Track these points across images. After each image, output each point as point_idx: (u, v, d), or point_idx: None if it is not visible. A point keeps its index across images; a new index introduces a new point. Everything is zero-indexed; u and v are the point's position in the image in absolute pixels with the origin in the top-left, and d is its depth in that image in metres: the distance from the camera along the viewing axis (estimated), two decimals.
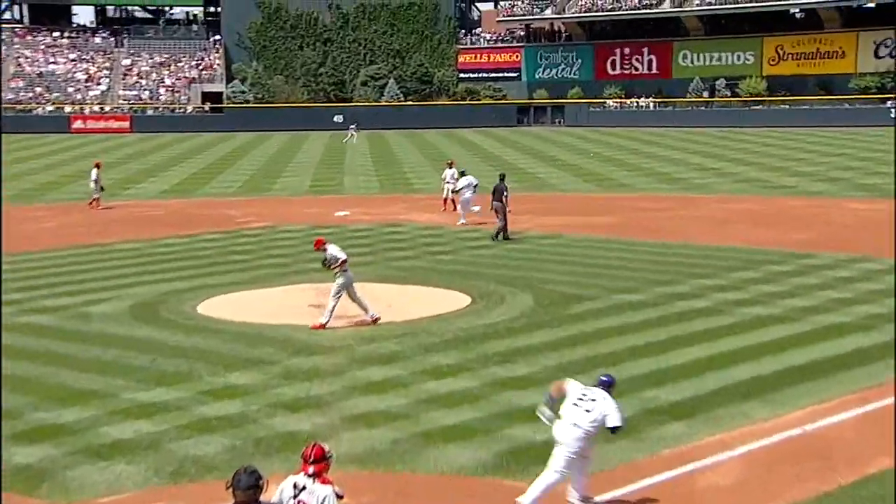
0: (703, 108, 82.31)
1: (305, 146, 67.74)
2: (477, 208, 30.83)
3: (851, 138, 62.55)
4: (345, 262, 17.58)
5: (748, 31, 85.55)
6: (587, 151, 59.40)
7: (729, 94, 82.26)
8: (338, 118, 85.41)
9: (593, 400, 9.87)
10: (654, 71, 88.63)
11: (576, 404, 9.88)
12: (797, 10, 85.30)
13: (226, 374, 14.85)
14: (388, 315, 18.50)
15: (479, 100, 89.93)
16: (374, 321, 17.47)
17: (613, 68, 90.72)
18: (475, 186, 31.05)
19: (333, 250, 17.66)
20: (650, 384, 13.91)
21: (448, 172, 34.26)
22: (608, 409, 9.82)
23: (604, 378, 10.18)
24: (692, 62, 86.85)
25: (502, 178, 28.00)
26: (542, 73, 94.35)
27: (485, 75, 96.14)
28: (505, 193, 27.35)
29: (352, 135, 71.22)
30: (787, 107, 78.43)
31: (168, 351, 16.13)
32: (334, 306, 17.56)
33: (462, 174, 31.81)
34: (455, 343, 16.38)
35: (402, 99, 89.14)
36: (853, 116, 72.91)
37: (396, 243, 27.47)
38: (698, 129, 74.67)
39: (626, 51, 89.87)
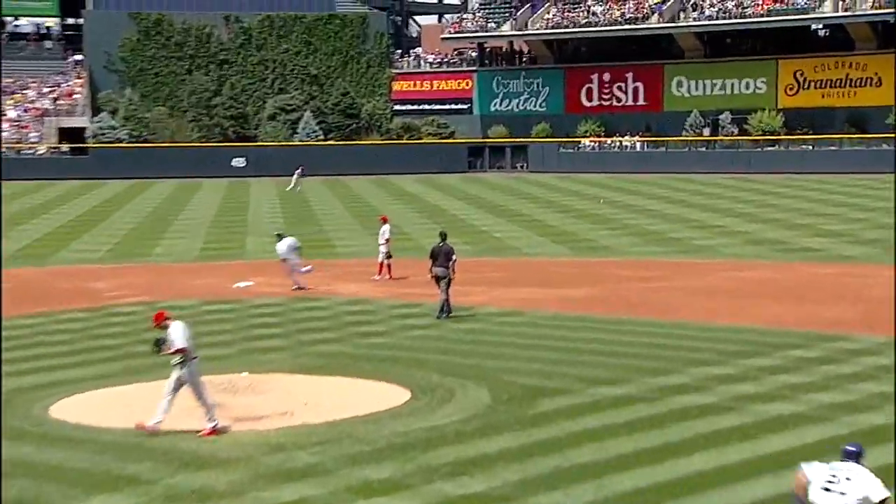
0: (703, 148, 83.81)
1: (196, 198, 67.52)
2: (307, 268, 32.68)
3: (892, 188, 64.02)
4: (183, 350, 17.37)
5: (759, 51, 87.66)
6: (555, 204, 60.05)
7: (736, 131, 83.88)
8: (238, 161, 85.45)
9: (848, 479, 10.30)
10: (642, 102, 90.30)
11: (827, 489, 10.27)
12: (820, 27, 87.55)
13: (87, 497, 14.63)
14: (303, 415, 18.40)
15: (419, 138, 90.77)
16: (213, 431, 17.30)
17: (590, 99, 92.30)
18: (298, 249, 33.00)
19: (176, 330, 17.44)
20: None
21: (383, 230, 34.47)
22: (869, 483, 10.21)
23: (850, 448, 10.86)
24: (689, 91, 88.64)
25: (444, 237, 28.17)
26: (500, 105, 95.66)
27: (427, 107, 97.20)
28: (453, 257, 27.51)
29: (297, 180, 71.27)
30: (810, 147, 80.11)
31: (9, 469, 15.85)
32: (167, 406, 17.32)
33: (279, 237, 33.34)
34: (390, 451, 16.33)
35: (322, 137, 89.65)
36: (893, 160, 74.52)
37: (314, 322, 27.41)
38: (698, 175, 75.98)
39: (606, 77, 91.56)
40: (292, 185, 71.00)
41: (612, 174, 78.80)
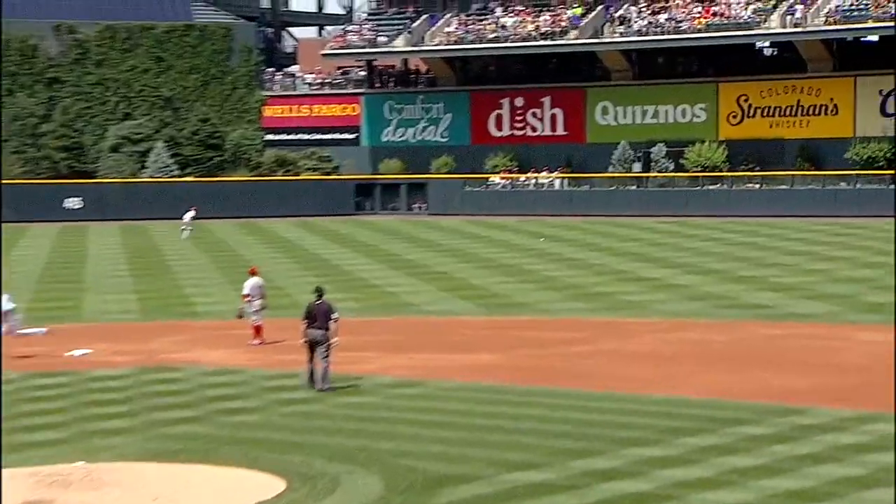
0: (633, 186, 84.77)
1: (20, 247, 66.37)
2: (35, 330, 32.88)
3: (854, 234, 65.30)
4: None
5: (697, 73, 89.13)
6: (460, 252, 60.20)
7: (671, 166, 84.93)
8: (72, 202, 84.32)
9: None
10: (561, 132, 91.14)
11: None
12: (766, 45, 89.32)
13: None
14: None
15: (296, 174, 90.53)
16: None
17: (500, 127, 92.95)
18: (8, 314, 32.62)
19: None
20: None
21: (249, 284, 34.30)
22: None
23: None
24: (616, 119, 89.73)
25: (320, 293, 27.98)
26: (393, 135, 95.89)
27: (305, 137, 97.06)
28: (333, 316, 27.31)
29: (189, 223, 70.55)
30: (757, 186, 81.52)
31: None
32: None
33: None
34: None
35: (177, 172, 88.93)
36: (853, 201, 76.16)
37: (169, 398, 27.03)
38: (628, 218, 76.77)
39: (518, 102, 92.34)
40: (184, 228, 70.31)
41: (527, 217, 79.25)
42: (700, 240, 64.46)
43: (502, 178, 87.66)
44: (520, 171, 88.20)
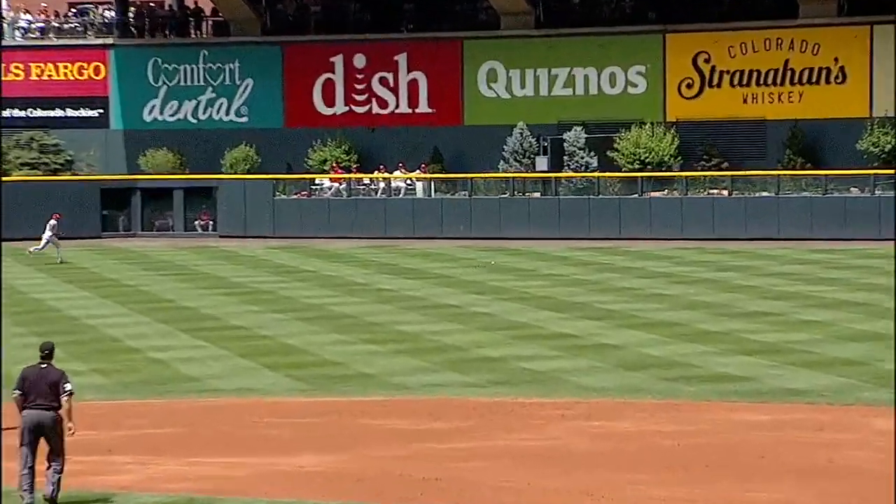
0: (536, 194, 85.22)
1: None
2: None
3: (871, 266, 66.24)
4: None
5: (633, 19, 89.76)
6: (270, 296, 60.09)
7: (595, 163, 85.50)
8: None
9: None
10: (425, 108, 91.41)
11: None
12: None
13: None
14: None
15: (5, 174, 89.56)
16: None
17: (330, 102, 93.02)
18: None
19: None
20: None
21: None
22: None
23: None
24: (509, 89, 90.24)
25: (47, 353, 27.43)
26: (162, 112, 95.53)
27: (19, 114, 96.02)
28: (66, 388, 26.68)
29: (52, 238, 71.27)
30: (724, 192, 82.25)
31: None
32: None
33: None
34: None
35: None
36: (869, 215, 77.06)
37: None
38: (527, 241, 77.19)
39: (359, 61, 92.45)
40: (49, 247, 70.03)
41: (371, 240, 79.33)
42: (638, 275, 65.06)
43: (334, 179, 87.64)
44: (361, 170, 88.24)
